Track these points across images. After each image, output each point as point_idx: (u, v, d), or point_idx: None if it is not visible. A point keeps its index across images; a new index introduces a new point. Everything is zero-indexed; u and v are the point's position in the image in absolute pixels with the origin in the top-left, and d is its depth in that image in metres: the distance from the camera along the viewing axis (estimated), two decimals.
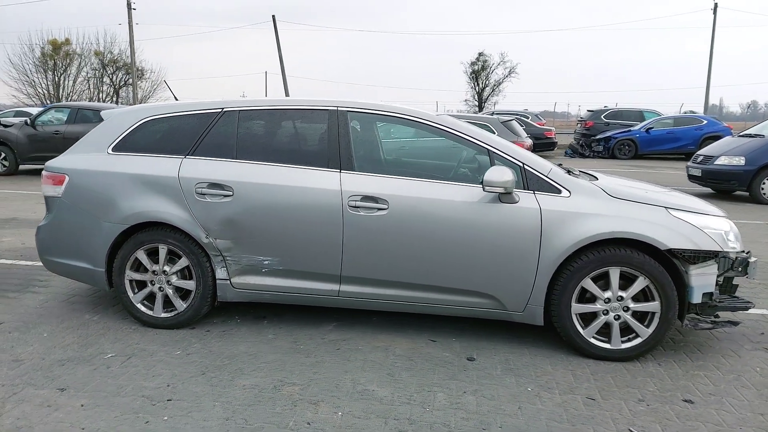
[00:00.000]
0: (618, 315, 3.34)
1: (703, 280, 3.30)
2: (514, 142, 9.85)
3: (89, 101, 35.53)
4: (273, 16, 30.93)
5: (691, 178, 10.59)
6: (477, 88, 50.12)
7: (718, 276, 3.40)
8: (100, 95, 39.25)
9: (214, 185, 3.54)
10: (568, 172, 3.67)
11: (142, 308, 3.71)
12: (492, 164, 3.43)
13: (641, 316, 3.36)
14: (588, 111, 23.31)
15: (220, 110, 3.71)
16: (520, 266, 3.34)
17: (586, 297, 3.38)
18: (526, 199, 3.35)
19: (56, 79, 38.39)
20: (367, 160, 3.59)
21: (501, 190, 3.25)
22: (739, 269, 3.43)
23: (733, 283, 3.73)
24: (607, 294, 3.33)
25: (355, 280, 3.51)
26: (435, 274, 3.42)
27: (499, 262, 3.35)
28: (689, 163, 10.73)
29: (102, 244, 3.65)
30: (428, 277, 3.43)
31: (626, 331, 3.37)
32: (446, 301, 3.48)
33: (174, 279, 3.67)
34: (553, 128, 20.98)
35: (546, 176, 3.40)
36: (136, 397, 2.84)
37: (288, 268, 3.56)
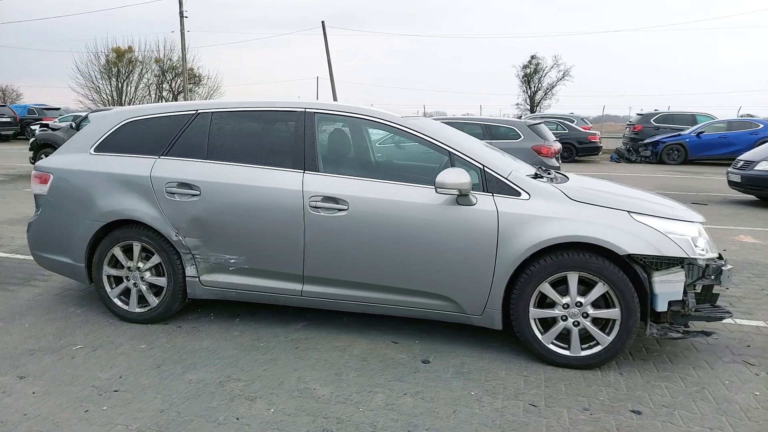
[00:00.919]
0: (577, 321, 3.23)
1: (668, 287, 3.15)
2: (540, 147, 9.70)
3: None
4: (322, 22, 31.46)
5: (731, 184, 10.05)
6: (529, 91, 49.33)
7: (689, 284, 3.24)
8: (160, 101, 41.05)
9: (182, 185, 3.66)
10: (536, 175, 3.58)
11: (119, 303, 3.88)
12: (452, 166, 3.40)
13: (603, 323, 3.24)
14: (637, 114, 22.50)
15: (194, 112, 3.84)
16: (477, 269, 3.29)
17: (546, 302, 3.29)
18: (483, 202, 3.29)
19: (119, 85, 40.46)
20: (332, 161, 3.62)
21: (454, 192, 3.21)
22: (712, 277, 3.26)
23: (714, 292, 3.55)
24: (566, 299, 3.23)
25: (317, 280, 3.55)
26: (394, 275, 3.41)
27: (456, 265, 3.31)
28: (729, 169, 10.18)
29: (81, 240, 3.84)
30: (388, 278, 3.42)
31: (587, 338, 3.26)
32: (406, 302, 3.46)
33: (147, 275, 3.81)
34: (597, 132, 20.33)
35: (506, 179, 3.34)
36: (86, 387, 2.96)
37: (253, 267, 3.63)
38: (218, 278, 3.71)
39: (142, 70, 40.32)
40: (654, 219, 3.21)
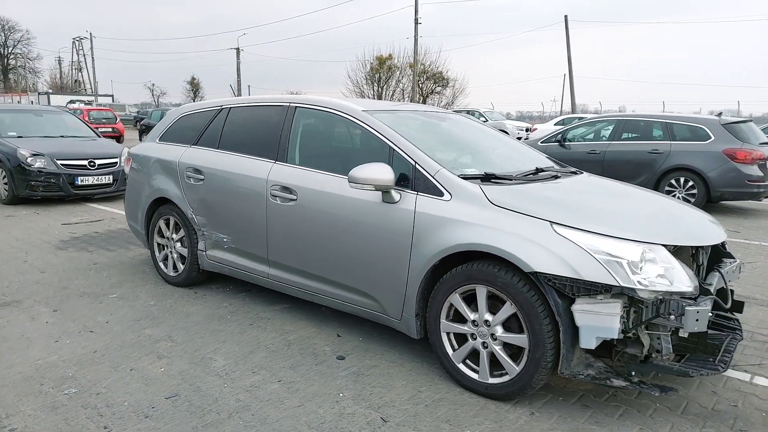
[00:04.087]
0: (486, 342, 2.83)
1: (592, 319, 2.55)
2: (734, 150, 8.05)
3: None
4: (565, 16, 30.19)
5: None
6: None
7: (643, 322, 2.57)
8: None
9: (195, 170, 4.23)
10: (485, 177, 3.14)
11: (162, 266, 4.66)
12: (390, 161, 3.26)
13: (515, 350, 2.77)
14: None
15: (219, 107, 4.38)
16: (394, 271, 3.12)
17: (461, 316, 2.95)
18: (406, 200, 3.10)
19: (379, 90, 44.84)
20: (301, 152, 3.75)
21: (368, 187, 3.09)
22: (671, 317, 2.51)
23: (710, 341, 2.73)
24: (474, 316, 2.85)
25: (277, 264, 3.76)
26: (328, 267, 3.44)
27: (376, 263, 3.19)
28: None
29: (142, 212, 4.72)
30: (324, 269, 3.47)
31: (500, 364, 2.83)
32: (341, 296, 3.45)
33: (178, 246, 4.50)
34: None
35: (432, 177, 3.07)
36: (79, 325, 3.72)
37: (237, 247, 4.01)
38: (217, 254, 4.19)
39: (399, 75, 43.96)
40: (579, 233, 2.61)
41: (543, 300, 2.62)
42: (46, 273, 4.87)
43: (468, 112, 25.24)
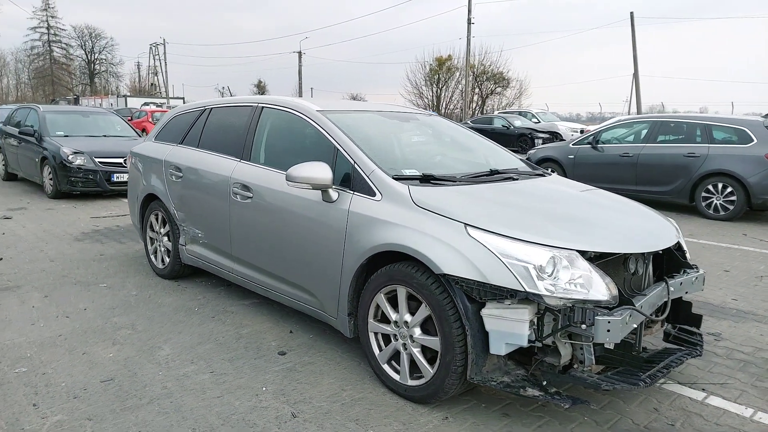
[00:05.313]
0: (405, 344, 2.81)
1: (501, 325, 2.48)
2: None
3: (461, 111, 40.12)
4: (631, 13, 28.96)
5: None
6: None
7: (559, 331, 2.48)
8: (471, 104, 43.80)
9: (176, 167, 4.41)
10: (488, 172, 3.24)
11: (153, 259, 4.89)
12: (333, 160, 3.29)
13: (433, 354, 2.74)
14: None
15: (203, 108, 4.55)
16: (330, 269, 3.15)
17: (387, 316, 2.94)
18: (343, 200, 3.12)
19: (438, 91, 44.63)
20: (265, 151, 3.84)
21: (305, 186, 3.13)
22: (582, 326, 2.41)
23: (636, 353, 2.60)
24: (396, 316, 2.84)
25: (239, 260, 3.87)
26: (277, 263, 3.51)
27: (315, 261, 3.24)
28: None
29: (137, 207, 4.97)
30: (273, 265, 3.54)
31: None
32: (288, 293, 3.51)
33: (165, 240, 4.71)
34: None
35: (367, 177, 3.08)
36: (59, 311, 3.97)
37: (210, 243, 4.16)
38: (194, 249, 4.35)
39: (458, 76, 43.58)
40: (490, 235, 2.54)
41: (453, 303, 2.58)
42: (55, 262, 5.21)
43: (520, 112, 24.76)
